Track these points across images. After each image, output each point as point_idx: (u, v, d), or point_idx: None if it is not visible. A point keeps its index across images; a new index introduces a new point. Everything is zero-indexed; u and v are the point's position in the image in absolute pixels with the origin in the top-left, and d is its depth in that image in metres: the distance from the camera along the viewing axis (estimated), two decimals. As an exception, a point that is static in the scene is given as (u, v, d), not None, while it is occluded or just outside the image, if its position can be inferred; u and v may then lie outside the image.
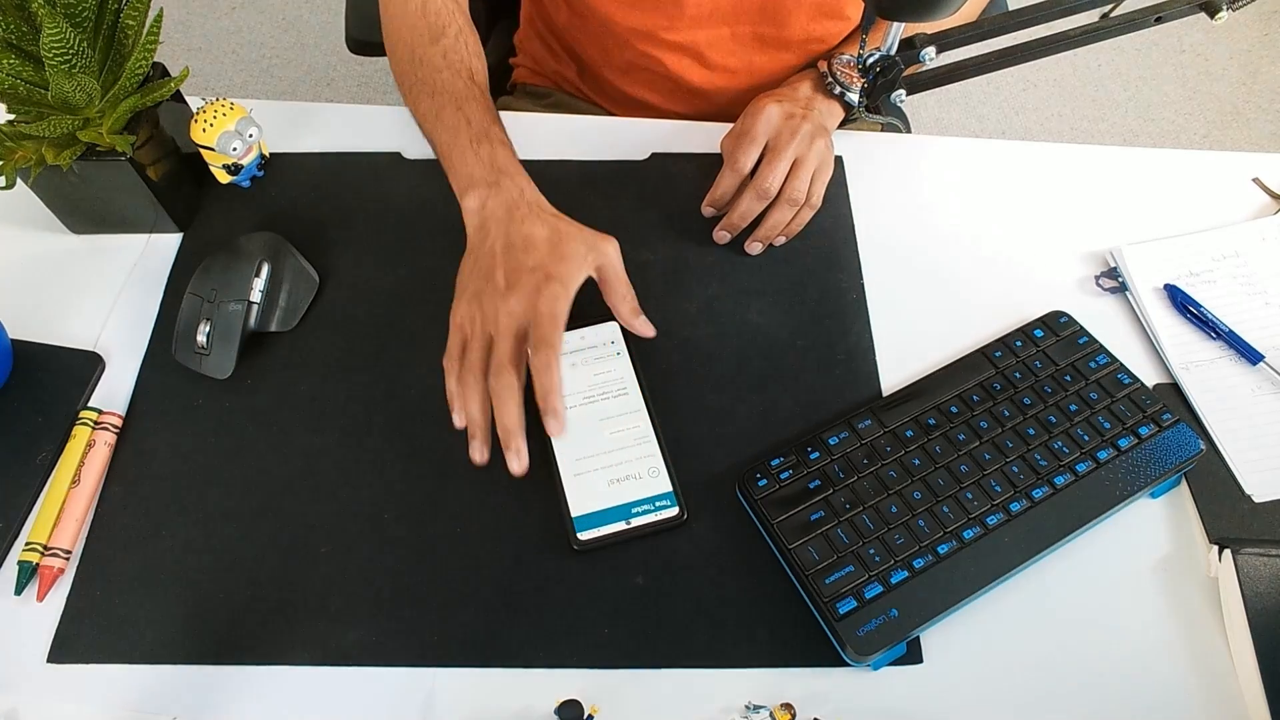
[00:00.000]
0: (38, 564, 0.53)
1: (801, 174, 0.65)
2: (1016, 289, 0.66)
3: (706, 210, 0.68)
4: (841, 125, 0.72)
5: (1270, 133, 1.80)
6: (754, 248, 0.66)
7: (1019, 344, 0.61)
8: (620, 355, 0.61)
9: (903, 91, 0.67)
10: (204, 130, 0.63)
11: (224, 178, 0.68)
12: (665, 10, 0.74)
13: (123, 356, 0.62)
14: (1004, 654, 0.51)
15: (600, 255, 0.58)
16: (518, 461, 0.53)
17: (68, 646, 0.51)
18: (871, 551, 0.52)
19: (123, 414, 0.59)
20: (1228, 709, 0.50)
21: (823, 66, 0.72)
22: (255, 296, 0.60)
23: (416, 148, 0.72)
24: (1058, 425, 0.57)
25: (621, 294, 0.58)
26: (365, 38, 0.91)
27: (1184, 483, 0.57)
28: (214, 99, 0.64)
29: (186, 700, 0.50)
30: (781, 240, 0.67)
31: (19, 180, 0.61)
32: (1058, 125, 1.81)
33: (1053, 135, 1.79)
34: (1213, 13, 0.62)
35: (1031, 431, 0.56)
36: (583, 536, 0.54)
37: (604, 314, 0.63)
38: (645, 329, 0.60)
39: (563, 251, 0.57)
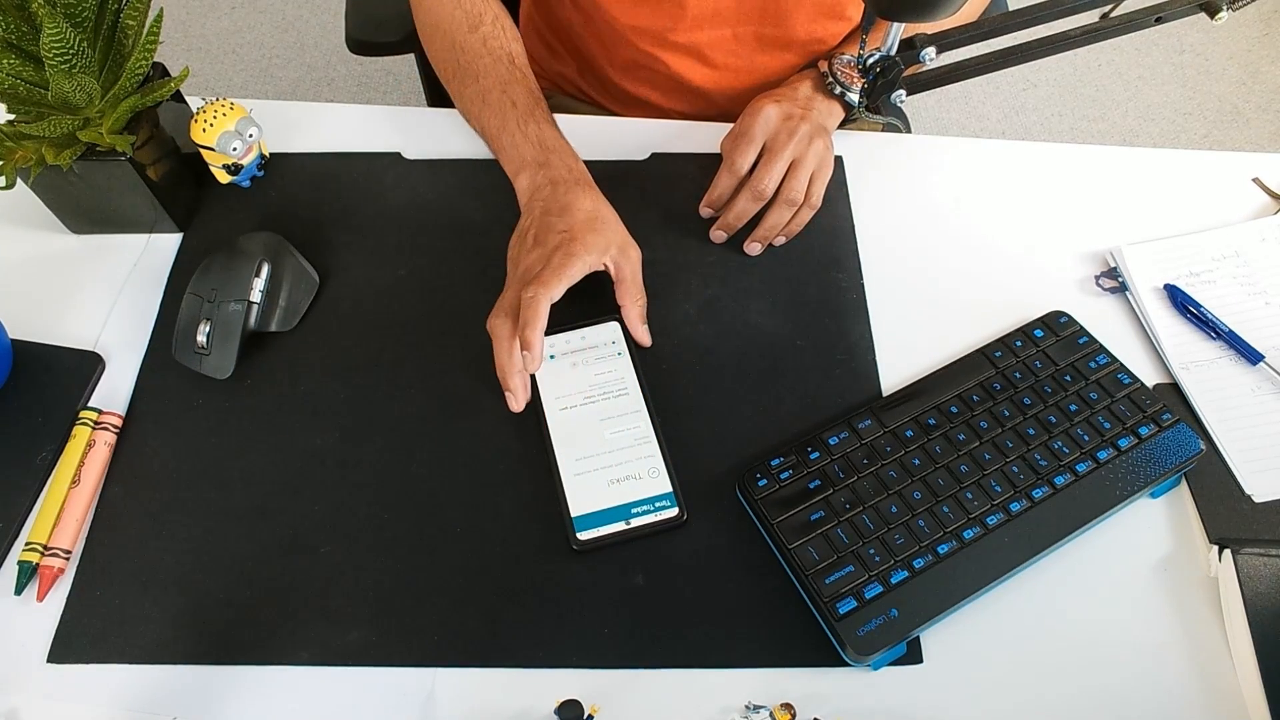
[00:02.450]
0: (38, 564, 0.53)
1: (799, 175, 0.65)
2: (1016, 289, 0.66)
3: (704, 211, 0.68)
4: (841, 125, 0.73)
5: (1270, 133, 1.80)
6: (753, 248, 0.66)
7: (1019, 344, 0.61)
8: (621, 355, 0.61)
9: (903, 91, 0.67)
10: (204, 130, 0.63)
11: (224, 178, 0.68)
12: (668, 11, 0.74)
13: (123, 356, 0.62)
14: (1004, 654, 0.51)
15: (623, 254, 0.61)
16: (513, 400, 0.58)
17: (68, 646, 0.51)
18: (871, 551, 0.52)
19: (123, 414, 0.59)
20: (1228, 709, 0.50)
21: (823, 66, 0.72)
22: (255, 296, 0.60)
23: (416, 148, 0.72)
24: (1058, 425, 0.57)
25: (634, 296, 0.61)
26: (365, 38, 0.91)
27: (1184, 483, 0.57)
28: (214, 99, 0.64)
29: (186, 700, 0.50)
30: (781, 240, 0.67)
31: (19, 180, 0.61)
32: (1058, 125, 1.81)
33: (1053, 135, 1.79)
34: (1213, 13, 0.62)
35: (1031, 431, 0.56)
36: (582, 536, 0.54)
37: (604, 314, 0.63)
38: (644, 337, 0.62)
39: (596, 226, 0.60)
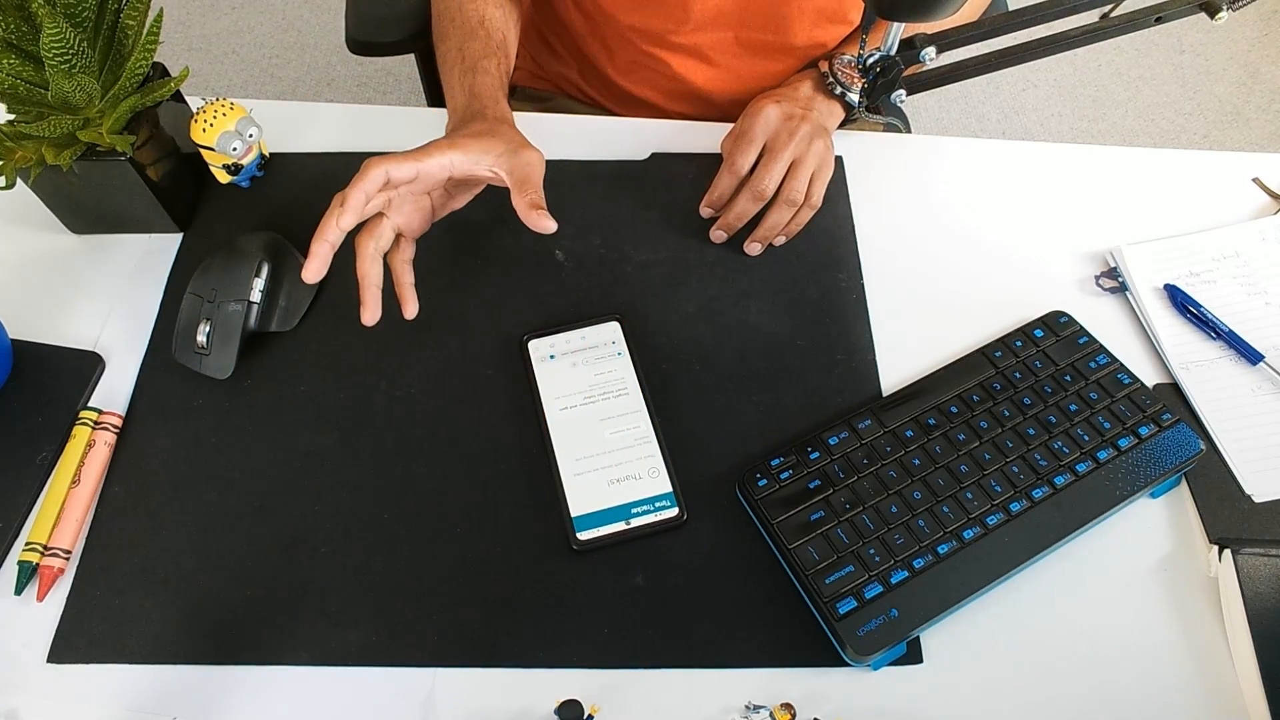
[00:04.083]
0: (38, 564, 0.53)
1: (800, 174, 0.65)
2: (1016, 289, 0.66)
3: (704, 211, 0.68)
4: (842, 125, 0.73)
5: (1270, 133, 1.80)
6: (753, 248, 0.66)
7: (1019, 344, 0.61)
8: (621, 355, 0.61)
9: (903, 91, 0.67)
10: (204, 130, 0.63)
11: (224, 178, 0.68)
12: (671, 13, 0.74)
13: (123, 356, 0.62)
14: (1004, 654, 0.51)
15: (514, 156, 0.56)
16: (307, 268, 0.53)
17: (68, 646, 0.51)
18: (871, 551, 0.52)
19: (123, 414, 0.59)
20: (1228, 709, 0.50)
21: (823, 66, 0.72)
22: (255, 296, 0.60)
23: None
24: (1058, 425, 0.57)
25: (524, 190, 0.55)
26: (365, 38, 0.91)
27: (1184, 483, 0.57)
28: (214, 99, 0.64)
29: (186, 700, 0.50)
30: (781, 240, 0.67)
31: (19, 180, 0.61)
32: (1058, 125, 1.81)
33: (1053, 135, 1.79)
34: (1213, 13, 0.62)
35: (1031, 431, 0.56)
36: (582, 536, 0.54)
37: (604, 314, 0.63)
38: (541, 223, 0.55)
39: (478, 132, 0.57)
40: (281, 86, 1.83)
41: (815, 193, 0.66)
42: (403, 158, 0.54)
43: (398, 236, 0.58)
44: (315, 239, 0.53)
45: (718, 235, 0.67)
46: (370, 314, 0.55)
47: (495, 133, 0.58)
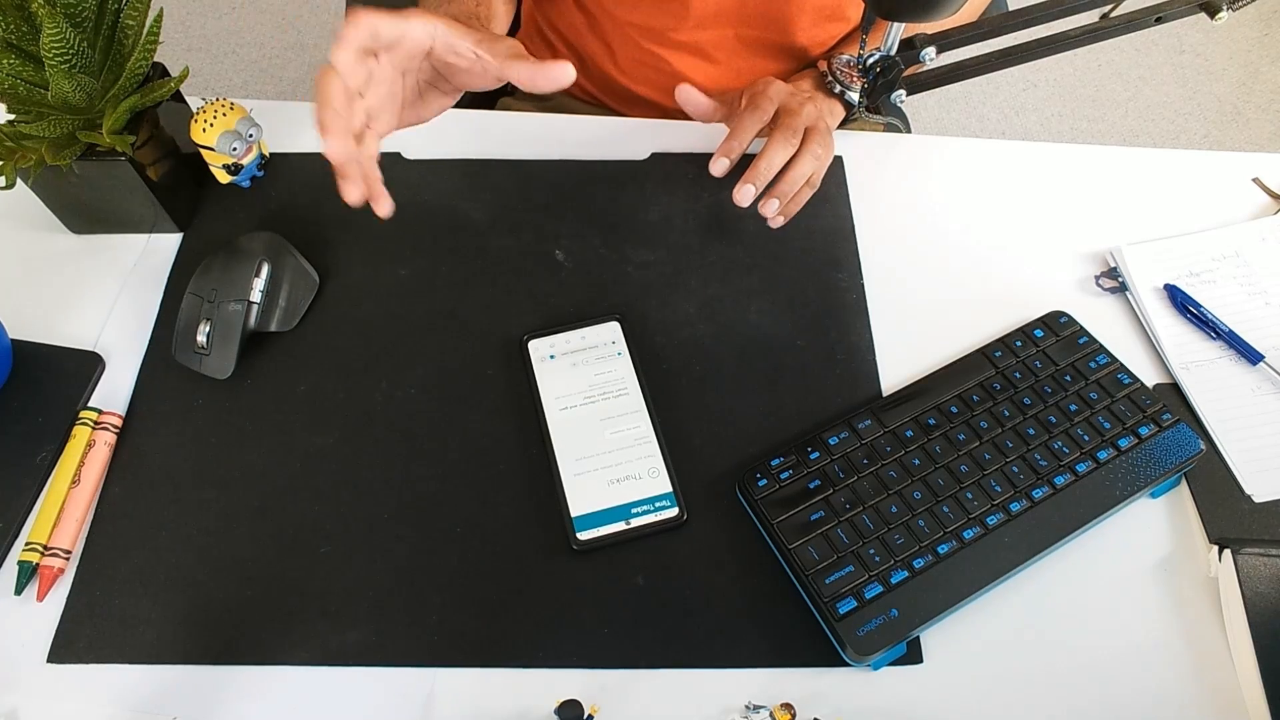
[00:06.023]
0: (38, 564, 0.53)
1: (816, 139, 0.64)
2: (1016, 289, 0.66)
3: (718, 166, 0.63)
4: (842, 125, 0.73)
5: (1270, 133, 1.80)
6: (770, 205, 0.62)
7: (1019, 344, 0.61)
8: (621, 355, 0.61)
9: (903, 91, 0.67)
10: (204, 130, 0.63)
11: (224, 178, 0.68)
12: (672, 10, 0.74)
13: (123, 356, 0.62)
14: (1004, 654, 0.51)
15: (499, 43, 0.51)
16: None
17: (68, 646, 0.51)
18: (871, 551, 0.52)
19: (123, 414, 0.59)
20: (1228, 709, 0.50)
21: (822, 66, 0.72)
22: (255, 296, 0.60)
23: (416, 148, 0.72)
24: (1058, 425, 0.57)
25: (526, 62, 0.51)
26: (365, 38, 0.91)
27: (1184, 483, 0.57)
28: (214, 99, 0.64)
29: (186, 700, 0.50)
30: (781, 222, 0.64)
31: (19, 180, 0.61)
32: (1058, 125, 1.81)
33: (1053, 135, 1.79)
34: (1213, 13, 0.62)
35: (1031, 431, 0.56)
36: (582, 536, 0.54)
37: (604, 314, 0.63)
38: (558, 73, 0.50)
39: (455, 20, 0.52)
40: (281, 86, 1.83)
41: (818, 172, 0.65)
42: (387, 16, 0.48)
43: (364, 131, 0.51)
44: (327, 133, 0.47)
45: (745, 192, 0.61)
46: (354, 189, 0.50)
47: (474, 25, 0.53)
